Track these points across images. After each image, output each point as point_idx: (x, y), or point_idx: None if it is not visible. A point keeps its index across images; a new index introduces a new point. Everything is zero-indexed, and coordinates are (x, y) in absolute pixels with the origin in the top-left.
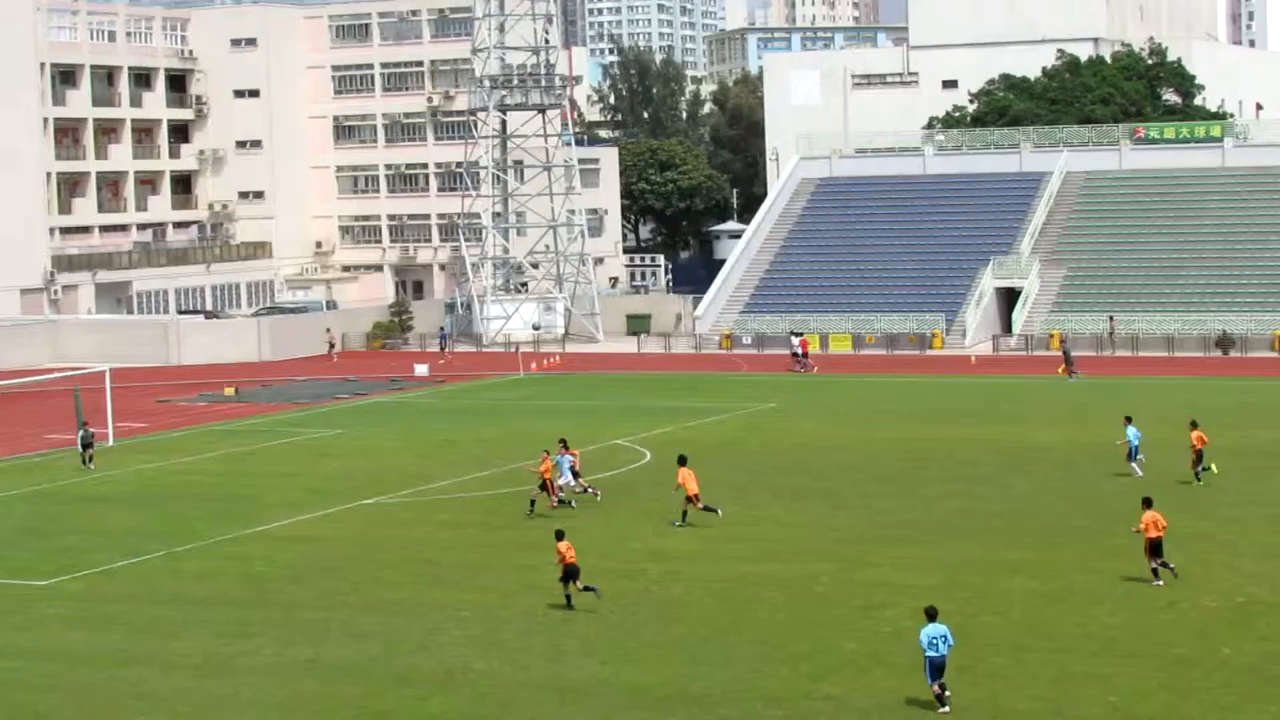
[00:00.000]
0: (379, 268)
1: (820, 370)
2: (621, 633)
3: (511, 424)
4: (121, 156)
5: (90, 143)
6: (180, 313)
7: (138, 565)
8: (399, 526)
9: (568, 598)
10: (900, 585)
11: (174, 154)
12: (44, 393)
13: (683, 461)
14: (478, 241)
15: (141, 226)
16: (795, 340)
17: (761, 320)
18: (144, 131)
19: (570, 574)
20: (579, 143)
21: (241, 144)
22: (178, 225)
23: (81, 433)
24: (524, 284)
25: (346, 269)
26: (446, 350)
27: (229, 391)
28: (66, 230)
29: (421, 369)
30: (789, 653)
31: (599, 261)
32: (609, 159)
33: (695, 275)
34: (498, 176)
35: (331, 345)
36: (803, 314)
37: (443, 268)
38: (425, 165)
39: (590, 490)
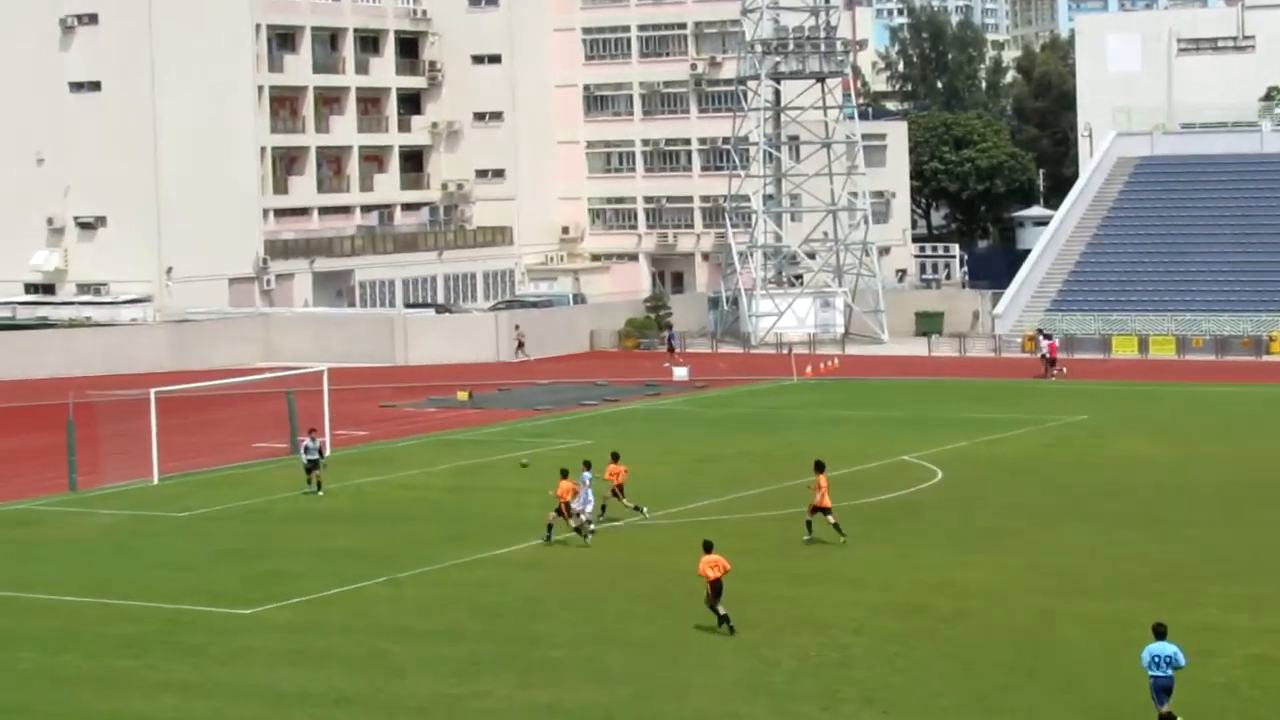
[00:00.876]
0: (633, 257)
1: (1145, 378)
2: (906, 679)
3: (783, 436)
4: (345, 130)
5: (310, 114)
6: (408, 306)
7: (356, 593)
8: (652, 553)
9: (723, 618)
10: (1231, 629)
11: (404, 127)
12: (254, 395)
13: (820, 468)
14: (746, 228)
15: (366, 209)
16: (1044, 342)
17: (1071, 320)
18: (370, 102)
19: (715, 592)
20: (863, 116)
21: (480, 116)
22: (406, 207)
23: (305, 447)
24: (798, 276)
25: (596, 258)
26: (676, 352)
27: (462, 396)
28: (282, 212)
29: (681, 372)
30: (1099, 705)
31: (884, 251)
32: (897, 135)
33: (995, 268)
34: (770, 154)
35: (520, 344)
36: (1119, 313)
37: (706, 257)
38: (687, 141)
39: (640, 509)
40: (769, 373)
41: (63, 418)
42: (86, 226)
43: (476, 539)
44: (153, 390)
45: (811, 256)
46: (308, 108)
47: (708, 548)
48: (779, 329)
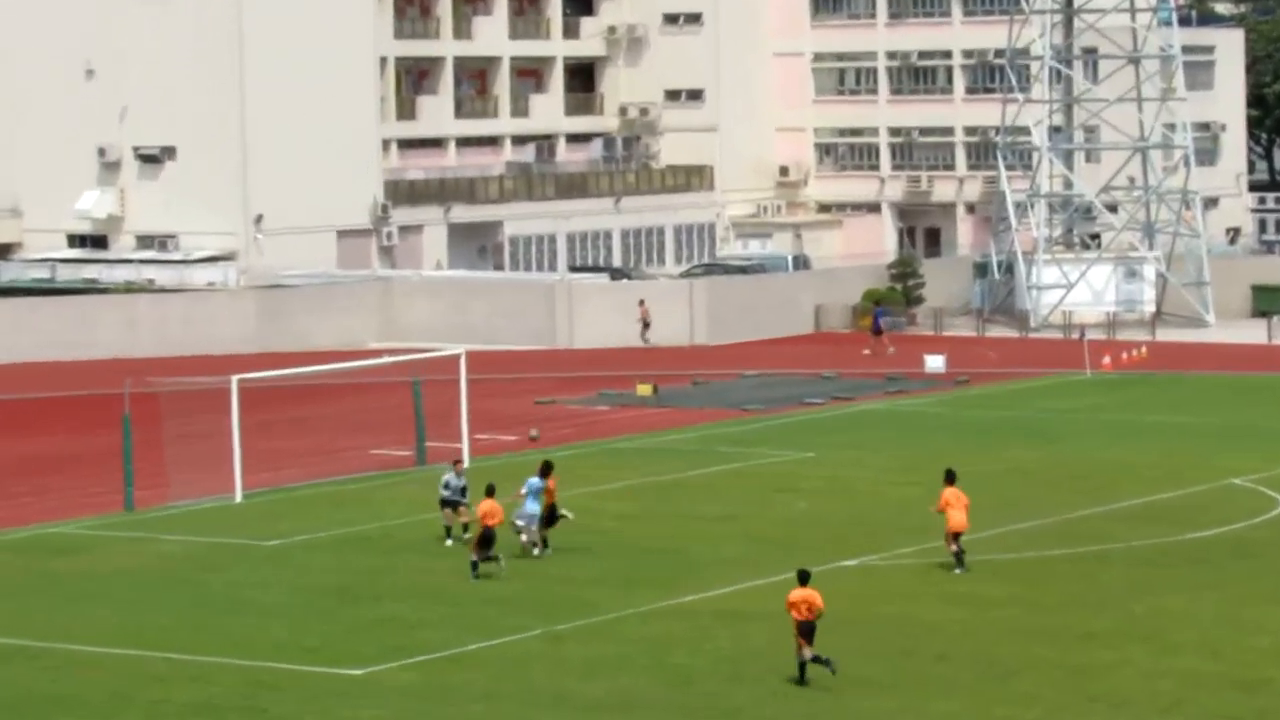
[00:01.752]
0: (874, 208)
1: None
2: None
3: (1066, 448)
4: (492, 35)
5: (446, 14)
6: (573, 270)
7: (501, 648)
8: (891, 601)
9: (816, 660)
10: None
11: (570, 32)
12: (368, 386)
13: (950, 479)
14: (1025, 170)
15: (519, 140)
16: None
17: None
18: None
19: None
20: (1183, 23)
21: (671, 19)
22: (573, 139)
23: (445, 483)
24: (1094, 236)
25: (825, 209)
26: (884, 335)
27: (644, 390)
28: (408, 144)
29: (935, 362)
30: None
31: (1211, 204)
32: (1229, 47)
33: None
34: (1058, 72)
35: (646, 325)
36: None
37: (970, 210)
38: (947, 54)
39: (565, 514)
40: (1053, 365)
41: (116, 414)
42: (149, 160)
43: (661, 581)
44: (234, 378)
45: (1112, 210)
46: (443, 6)
47: (803, 578)
48: (1067, 306)
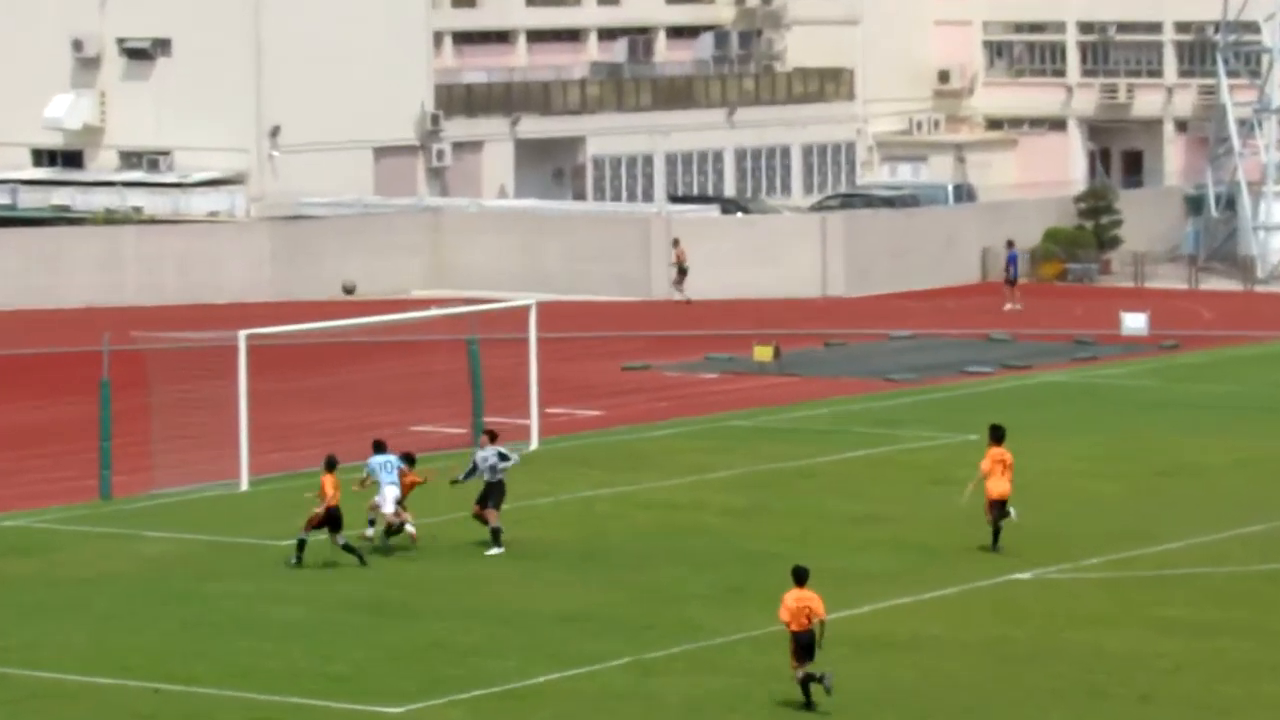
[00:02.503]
0: (1058, 124)
1: None
2: None
3: None
4: None
5: None
6: (673, 200)
7: (576, 682)
8: (1078, 626)
9: (811, 679)
10: None
11: None
12: (411, 346)
13: (997, 437)
14: (1253, 79)
15: (607, 34)
16: None
17: None
18: None
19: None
20: None
21: None
22: (675, 34)
23: (479, 461)
24: None
25: (995, 125)
26: (1015, 285)
27: (763, 354)
28: (465, 39)
29: (1135, 322)
30: None
31: None
32: None
33: None
34: None
35: (682, 272)
36: None
37: (1181, 128)
38: None
39: (410, 530)
40: None
41: (92, 378)
42: (137, 56)
43: (778, 597)
44: (242, 333)
45: None
46: None
47: (800, 577)
48: None
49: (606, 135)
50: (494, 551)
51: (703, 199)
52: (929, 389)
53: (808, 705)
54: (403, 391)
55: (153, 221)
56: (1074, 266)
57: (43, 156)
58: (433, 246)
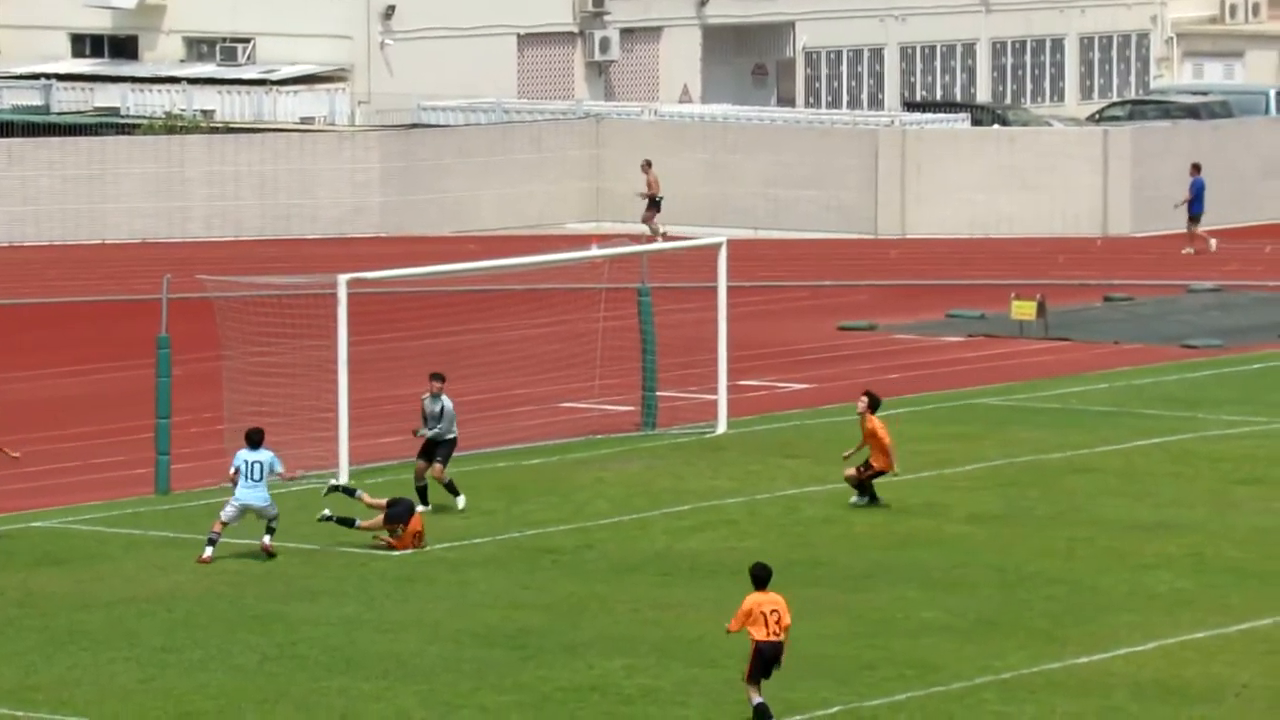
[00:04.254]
0: None
1: None
2: None
3: None
4: None
5: None
6: (910, 107)
7: None
8: None
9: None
10: None
11: None
12: (562, 295)
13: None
14: None
15: None
16: None
17: None
18: None
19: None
20: None
21: None
22: None
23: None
24: None
25: None
26: (1197, 231)
27: (1023, 310)
28: None
29: None
30: None
31: None
32: None
33: None
34: None
35: (653, 204)
36: None
37: None
38: None
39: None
40: None
41: (146, 334)
42: None
43: (1036, 628)
44: (342, 277)
45: None
46: None
47: (761, 578)
48: None
49: (823, 21)
50: (462, 501)
51: (948, 106)
52: (1240, 358)
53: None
54: (550, 356)
55: (226, 130)
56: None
57: (85, 44)
58: (594, 166)
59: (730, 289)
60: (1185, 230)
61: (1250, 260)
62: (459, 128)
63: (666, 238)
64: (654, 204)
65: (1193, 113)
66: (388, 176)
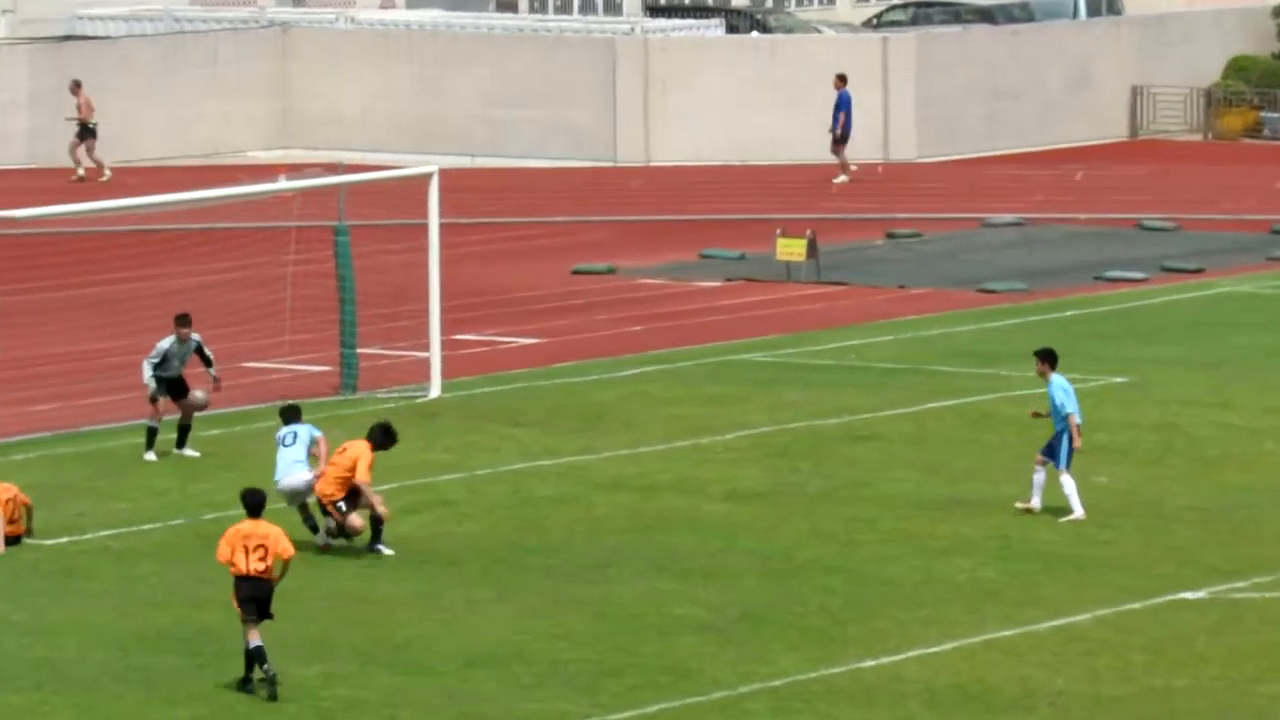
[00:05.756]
0: None
1: None
2: None
3: None
4: None
5: None
6: (653, 11)
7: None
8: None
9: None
10: None
11: None
12: (243, 235)
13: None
14: None
15: None
16: None
17: None
18: None
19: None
20: None
21: None
22: None
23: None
24: None
25: None
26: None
27: (790, 249)
28: None
29: None
30: None
31: None
32: None
33: None
34: None
35: (87, 131)
36: None
37: None
38: None
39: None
40: None
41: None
42: None
43: (811, 630)
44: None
45: None
46: None
47: (255, 504)
48: None
49: None
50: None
51: (699, 10)
52: (1047, 304)
53: (246, 683)
54: (231, 307)
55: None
56: (1271, 115)
57: None
58: (280, 83)
59: (444, 226)
60: (833, 155)
61: (1058, 189)
62: (120, 39)
63: (103, 179)
64: (87, 131)
65: (987, 16)
66: (37, 98)
